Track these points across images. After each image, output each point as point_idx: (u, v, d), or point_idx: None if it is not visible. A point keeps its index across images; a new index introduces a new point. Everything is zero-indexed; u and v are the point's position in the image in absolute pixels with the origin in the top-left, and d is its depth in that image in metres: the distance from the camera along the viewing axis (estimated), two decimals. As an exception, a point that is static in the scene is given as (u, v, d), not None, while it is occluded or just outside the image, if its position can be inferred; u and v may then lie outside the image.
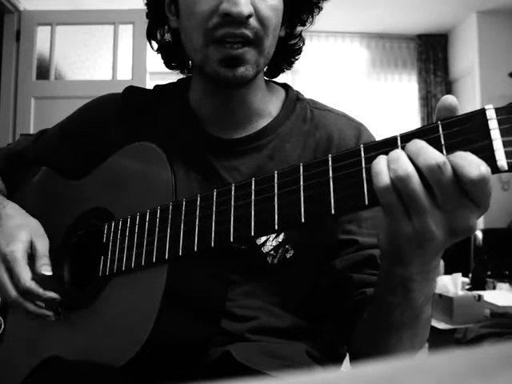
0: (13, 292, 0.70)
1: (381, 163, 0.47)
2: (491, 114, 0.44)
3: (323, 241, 0.77)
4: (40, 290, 0.70)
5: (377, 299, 0.63)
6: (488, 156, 0.43)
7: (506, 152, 0.43)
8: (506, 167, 0.43)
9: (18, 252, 0.72)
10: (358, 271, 0.74)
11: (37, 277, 0.71)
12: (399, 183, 0.45)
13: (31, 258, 0.74)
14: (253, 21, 0.72)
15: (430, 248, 0.48)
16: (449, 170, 0.44)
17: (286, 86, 0.88)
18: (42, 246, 0.75)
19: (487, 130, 0.44)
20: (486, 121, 0.44)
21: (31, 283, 0.70)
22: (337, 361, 0.82)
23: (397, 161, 0.46)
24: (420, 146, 0.45)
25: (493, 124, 0.43)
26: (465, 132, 0.45)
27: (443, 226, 0.46)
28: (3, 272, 0.71)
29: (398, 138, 0.48)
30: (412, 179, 0.45)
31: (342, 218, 0.76)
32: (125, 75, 3.27)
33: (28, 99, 3.24)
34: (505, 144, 0.43)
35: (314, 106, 0.85)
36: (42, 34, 3.32)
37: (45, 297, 0.70)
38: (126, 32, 3.30)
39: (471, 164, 0.43)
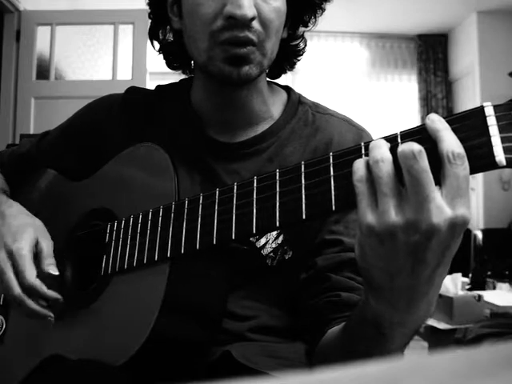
0: (16, 288, 0.70)
1: (360, 161, 0.48)
2: (489, 111, 0.44)
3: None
4: (44, 288, 0.70)
5: (347, 328, 0.63)
6: (486, 152, 0.44)
7: (504, 148, 0.43)
8: (505, 163, 0.43)
9: (25, 249, 0.72)
10: (337, 272, 0.73)
11: (42, 276, 0.72)
12: (375, 168, 0.46)
13: (36, 257, 0.74)
14: (255, 23, 0.72)
15: (389, 246, 0.46)
16: (424, 160, 0.44)
17: (287, 89, 0.88)
18: (48, 245, 0.75)
19: (485, 127, 0.44)
20: (484, 118, 0.44)
21: (36, 280, 0.70)
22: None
23: (377, 148, 0.47)
24: (408, 143, 0.45)
25: (491, 121, 0.44)
26: (463, 129, 0.45)
27: (404, 215, 0.45)
28: (8, 268, 0.71)
29: (398, 136, 0.48)
30: (386, 162, 0.45)
31: (329, 219, 0.76)
32: (125, 75, 3.27)
33: (28, 99, 3.23)
34: (503, 140, 0.43)
35: (316, 109, 0.85)
36: (42, 34, 3.32)
37: (48, 294, 0.71)
38: (126, 32, 3.30)
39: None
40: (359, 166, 0.47)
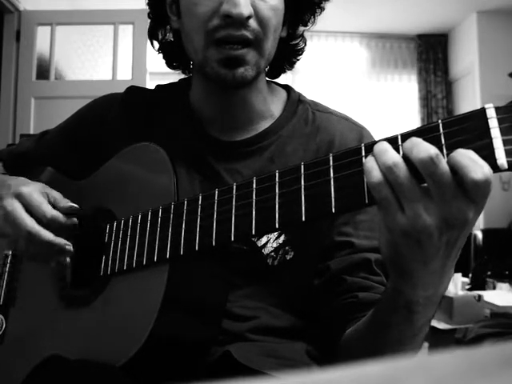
0: (31, 222, 0.69)
1: (371, 160, 0.47)
2: (491, 112, 0.44)
3: (322, 242, 0.77)
4: (63, 217, 0.71)
5: (377, 317, 0.62)
6: (488, 155, 0.43)
7: (506, 150, 0.43)
8: (506, 166, 0.43)
9: (35, 192, 0.72)
10: (352, 274, 0.73)
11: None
12: (390, 174, 0.45)
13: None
14: (252, 22, 0.72)
15: (427, 245, 0.47)
16: (442, 162, 0.44)
17: (287, 88, 0.88)
18: (59, 194, 0.75)
19: (487, 129, 0.44)
20: (486, 120, 0.44)
21: (56, 211, 0.71)
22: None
23: (385, 152, 0.46)
24: (415, 141, 0.45)
25: (493, 123, 0.43)
26: (465, 131, 0.45)
27: (436, 215, 0.45)
28: (18, 207, 0.70)
29: (399, 137, 0.48)
30: (399, 167, 0.45)
31: (338, 221, 0.76)
32: (125, 75, 3.27)
33: (28, 99, 3.24)
34: (505, 143, 0.43)
35: (315, 108, 0.85)
36: (42, 34, 3.32)
37: (69, 223, 0.71)
38: (126, 32, 3.31)
39: (475, 165, 0.43)
40: (373, 168, 0.46)
